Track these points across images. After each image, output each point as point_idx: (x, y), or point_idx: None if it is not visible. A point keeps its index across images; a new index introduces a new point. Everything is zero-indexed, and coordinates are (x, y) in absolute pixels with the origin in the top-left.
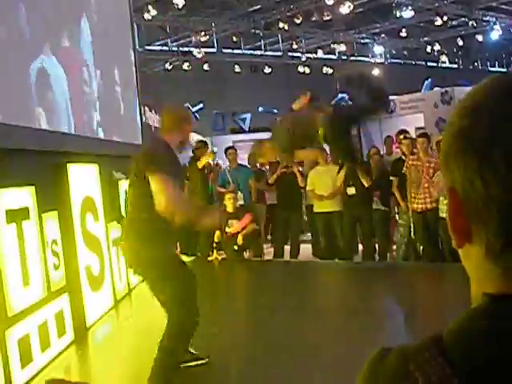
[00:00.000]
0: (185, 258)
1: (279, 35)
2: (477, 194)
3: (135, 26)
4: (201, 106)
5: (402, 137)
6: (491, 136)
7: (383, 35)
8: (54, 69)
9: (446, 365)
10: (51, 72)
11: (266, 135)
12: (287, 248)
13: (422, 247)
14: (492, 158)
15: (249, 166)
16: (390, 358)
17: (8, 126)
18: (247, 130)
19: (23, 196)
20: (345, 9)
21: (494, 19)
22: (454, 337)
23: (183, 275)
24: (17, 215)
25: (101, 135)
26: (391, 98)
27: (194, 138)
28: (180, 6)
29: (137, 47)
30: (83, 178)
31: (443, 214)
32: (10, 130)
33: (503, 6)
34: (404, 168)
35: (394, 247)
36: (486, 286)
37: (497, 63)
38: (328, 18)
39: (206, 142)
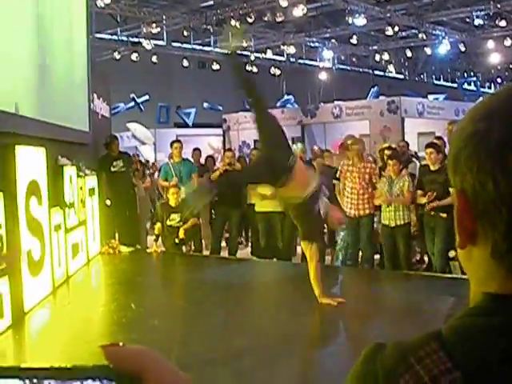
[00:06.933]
0: (124, 249)
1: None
2: (487, 196)
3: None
4: (146, 97)
5: (349, 142)
6: (506, 139)
7: (333, 40)
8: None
9: (446, 359)
10: None
11: (209, 131)
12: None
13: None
14: (506, 160)
15: (192, 160)
16: (387, 352)
17: None
18: (191, 125)
19: None
20: (298, 11)
21: (443, 33)
22: (454, 333)
23: None
24: None
25: (49, 119)
26: (337, 102)
27: (138, 128)
28: None
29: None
30: (30, 161)
31: (385, 221)
32: None
33: (453, 22)
34: (338, 173)
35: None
36: (487, 286)
37: (442, 77)
38: (280, 19)
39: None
